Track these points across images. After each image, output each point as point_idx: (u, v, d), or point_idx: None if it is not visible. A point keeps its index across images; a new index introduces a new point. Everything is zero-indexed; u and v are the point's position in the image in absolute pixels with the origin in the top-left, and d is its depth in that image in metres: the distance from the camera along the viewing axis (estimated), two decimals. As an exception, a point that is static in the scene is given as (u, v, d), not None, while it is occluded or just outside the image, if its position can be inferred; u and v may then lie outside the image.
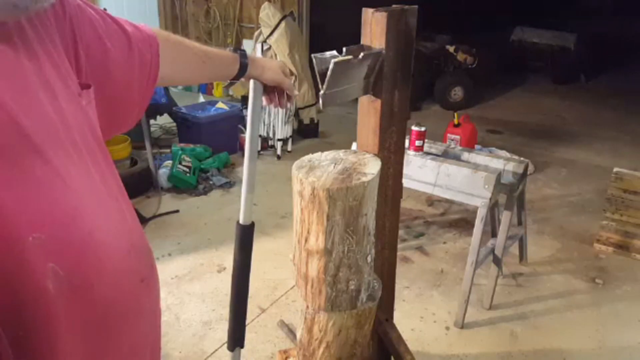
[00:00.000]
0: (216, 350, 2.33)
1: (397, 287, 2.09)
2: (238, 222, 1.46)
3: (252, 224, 1.47)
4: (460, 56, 6.44)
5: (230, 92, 6.45)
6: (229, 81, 1.27)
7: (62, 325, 0.67)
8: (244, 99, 5.03)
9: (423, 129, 2.67)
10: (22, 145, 0.66)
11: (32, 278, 0.63)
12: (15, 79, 0.68)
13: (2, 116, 0.64)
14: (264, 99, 1.37)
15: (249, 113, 1.37)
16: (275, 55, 4.81)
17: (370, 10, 1.42)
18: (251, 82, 1.33)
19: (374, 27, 1.42)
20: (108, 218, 0.76)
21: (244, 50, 1.26)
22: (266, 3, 5.01)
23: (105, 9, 1.00)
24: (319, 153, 1.50)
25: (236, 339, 1.57)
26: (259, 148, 4.72)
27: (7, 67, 0.68)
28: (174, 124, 4.90)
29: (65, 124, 0.72)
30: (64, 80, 0.76)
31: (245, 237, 1.47)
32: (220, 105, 4.89)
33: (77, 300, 0.69)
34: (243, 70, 1.24)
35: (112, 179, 0.81)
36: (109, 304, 0.74)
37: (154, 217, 3.52)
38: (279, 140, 4.69)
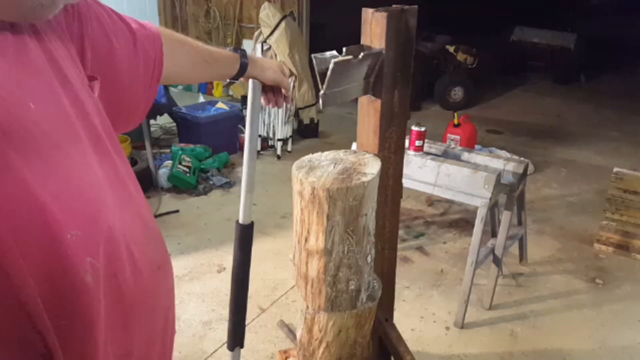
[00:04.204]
0: (216, 350, 2.33)
1: (397, 287, 2.09)
2: (237, 221, 1.47)
3: (252, 224, 1.47)
4: (460, 56, 6.44)
5: (230, 92, 6.44)
6: (228, 80, 1.28)
7: (98, 314, 0.70)
8: (244, 99, 5.03)
9: (423, 129, 2.67)
10: (47, 140, 0.67)
11: (73, 274, 0.66)
12: (31, 73, 0.69)
13: (23, 110, 0.65)
14: (262, 98, 1.37)
15: (248, 112, 1.37)
16: (275, 55, 4.81)
17: (370, 10, 1.42)
18: (250, 81, 1.33)
19: (374, 27, 1.42)
20: (126, 208, 0.78)
21: (244, 50, 1.26)
22: (266, 3, 5.00)
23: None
24: (319, 153, 1.50)
25: (236, 338, 1.57)
26: (259, 148, 4.72)
27: (23, 61, 0.69)
28: (174, 124, 4.90)
29: (83, 116, 0.75)
30: (78, 71, 0.78)
31: (244, 237, 1.47)
32: (220, 105, 4.89)
33: (110, 290, 0.72)
34: (243, 69, 1.25)
35: (125, 168, 0.83)
36: (134, 292, 0.77)
37: (154, 217, 3.51)
38: (279, 140, 4.68)
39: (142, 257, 0.78)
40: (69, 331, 0.68)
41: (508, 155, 4.16)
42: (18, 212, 0.62)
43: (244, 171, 1.40)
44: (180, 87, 6.90)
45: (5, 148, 0.62)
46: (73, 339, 0.68)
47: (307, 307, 1.51)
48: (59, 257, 0.65)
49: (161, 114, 4.54)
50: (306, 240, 1.41)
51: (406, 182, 2.26)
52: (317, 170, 1.38)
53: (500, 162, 2.60)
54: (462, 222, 3.60)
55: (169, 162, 4.03)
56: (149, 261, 0.81)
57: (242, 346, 1.60)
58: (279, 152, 4.69)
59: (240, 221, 1.46)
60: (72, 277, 0.66)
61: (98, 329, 0.70)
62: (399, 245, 2.17)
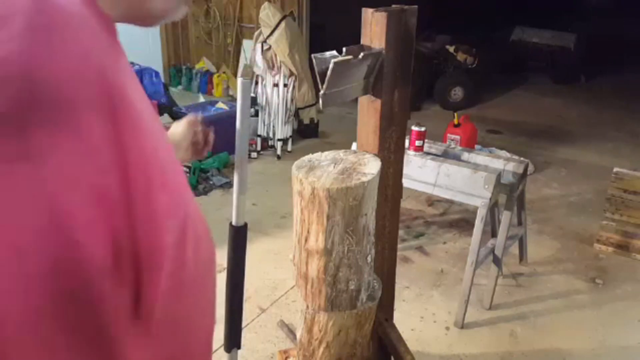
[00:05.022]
0: (216, 350, 2.32)
1: (397, 287, 2.09)
2: (231, 223, 1.45)
3: (245, 225, 1.46)
4: (460, 56, 6.44)
5: (230, 92, 6.45)
6: None
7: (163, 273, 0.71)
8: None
9: (423, 129, 2.67)
10: (148, 119, 0.70)
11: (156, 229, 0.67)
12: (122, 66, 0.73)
13: (129, 92, 0.68)
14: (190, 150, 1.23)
15: (237, 113, 1.30)
16: (275, 55, 4.81)
17: (370, 10, 1.42)
18: (239, 81, 1.29)
19: (374, 27, 1.42)
20: (193, 200, 0.82)
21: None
22: (266, 3, 5.00)
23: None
24: (319, 153, 1.50)
25: (233, 340, 1.57)
26: (259, 148, 4.73)
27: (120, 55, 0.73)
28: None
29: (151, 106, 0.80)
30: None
31: (238, 239, 1.46)
32: (220, 105, 4.90)
33: (174, 266, 0.73)
34: None
35: None
36: (191, 281, 0.79)
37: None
38: (279, 140, 4.69)
39: (201, 248, 0.81)
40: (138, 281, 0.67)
41: (508, 155, 4.16)
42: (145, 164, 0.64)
43: (235, 173, 1.35)
44: (180, 87, 6.90)
45: (124, 121, 0.63)
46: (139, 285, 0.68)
47: (307, 307, 1.51)
48: (151, 239, 0.65)
49: (161, 114, 4.54)
50: (306, 240, 1.41)
51: (406, 182, 2.26)
52: (317, 170, 1.38)
53: (500, 162, 2.60)
54: (462, 222, 3.60)
55: (169, 162, 4.02)
56: (205, 253, 0.84)
57: (239, 347, 1.59)
58: (279, 152, 4.69)
59: (234, 223, 1.44)
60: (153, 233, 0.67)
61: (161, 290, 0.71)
62: (399, 245, 2.17)
